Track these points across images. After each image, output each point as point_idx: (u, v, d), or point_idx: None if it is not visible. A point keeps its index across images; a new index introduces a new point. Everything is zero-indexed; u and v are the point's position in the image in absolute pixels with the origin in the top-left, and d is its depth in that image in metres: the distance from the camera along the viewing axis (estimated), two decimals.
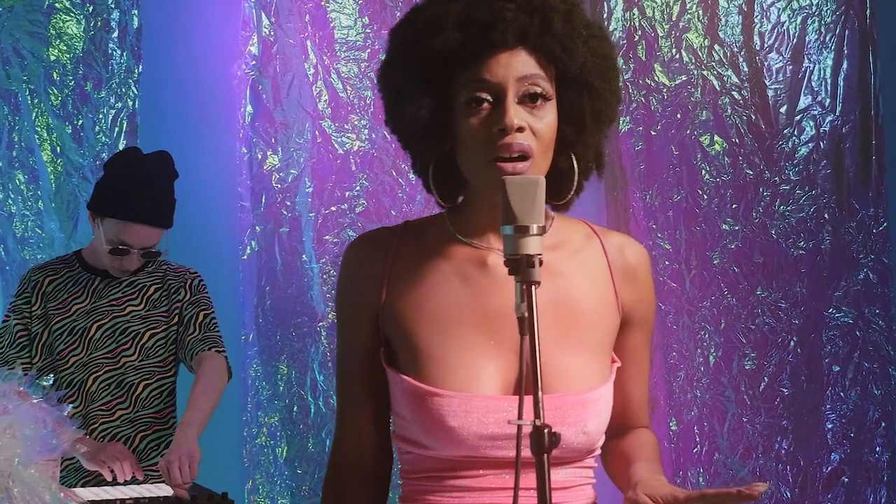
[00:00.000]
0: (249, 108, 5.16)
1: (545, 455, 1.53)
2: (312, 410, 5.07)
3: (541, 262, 1.61)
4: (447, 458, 1.84)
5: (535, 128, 1.80)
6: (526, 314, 1.58)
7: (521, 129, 1.78)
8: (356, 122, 5.12)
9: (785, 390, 5.21)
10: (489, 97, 1.80)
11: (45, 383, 3.62)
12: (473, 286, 1.87)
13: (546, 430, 1.53)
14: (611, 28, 5.19)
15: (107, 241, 3.63)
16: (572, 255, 1.91)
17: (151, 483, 3.58)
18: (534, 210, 1.63)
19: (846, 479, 5.23)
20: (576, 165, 1.86)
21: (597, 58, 1.86)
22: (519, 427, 1.55)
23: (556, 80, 1.84)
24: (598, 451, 1.92)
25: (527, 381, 1.58)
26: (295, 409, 5.07)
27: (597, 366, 1.88)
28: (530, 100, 1.81)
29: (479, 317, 1.85)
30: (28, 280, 3.78)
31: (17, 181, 4.98)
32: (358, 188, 5.12)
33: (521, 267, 1.60)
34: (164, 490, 3.36)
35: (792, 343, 5.23)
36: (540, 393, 1.55)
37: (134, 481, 3.51)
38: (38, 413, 2.81)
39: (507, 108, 1.78)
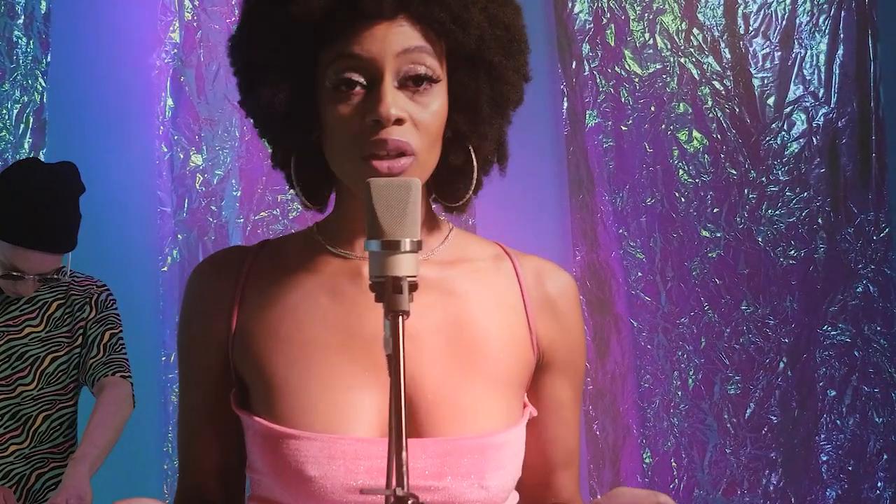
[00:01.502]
0: (170, 102, 5.06)
1: None
2: None
3: (414, 287, 1.41)
4: None
5: (419, 119, 1.60)
6: (391, 351, 1.39)
7: (399, 121, 1.57)
8: None
9: (774, 418, 5.04)
10: (362, 79, 1.59)
11: None
12: (344, 303, 1.67)
13: (411, 502, 1.31)
14: (576, 10, 5.07)
15: None
16: (473, 274, 1.73)
17: None
18: (405, 220, 1.42)
19: None
20: (474, 160, 1.68)
21: (498, 28, 1.65)
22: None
23: (446, 58, 1.64)
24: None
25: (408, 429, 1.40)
26: None
27: (500, 405, 1.67)
28: (413, 83, 1.60)
29: (350, 340, 1.65)
30: None
31: None
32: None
33: (386, 292, 1.39)
34: None
35: (781, 364, 5.07)
36: (405, 453, 1.33)
37: None
38: None
39: (384, 94, 1.57)
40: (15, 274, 3.48)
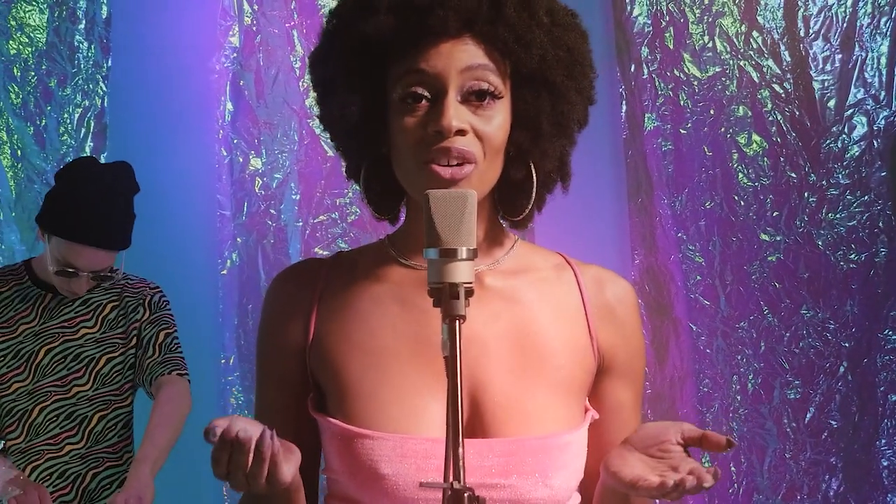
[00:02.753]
0: (230, 106, 5.13)
1: None
2: None
3: (470, 293, 1.49)
4: None
5: (481, 131, 1.69)
6: (448, 353, 1.47)
7: (461, 132, 1.67)
8: None
9: (834, 422, 5.00)
10: (427, 93, 1.68)
11: None
12: (413, 312, 1.76)
13: (467, 495, 1.40)
14: (635, 13, 5.11)
15: (52, 260, 3.52)
16: (537, 283, 1.82)
17: None
18: (461, 230, 1.51)
19: None
20: (534, 176, 1.75)
21: (560, 50, 1.73)
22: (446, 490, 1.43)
23: (510, 76, 1.72)
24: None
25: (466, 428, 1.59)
26: None
27: (563, 409, 1.76)
28: (476, 98, 1.69)
29: (419, 346, 1.74)
30: None
31: None
32: (350, 195, 5.09)
33: (444, 297, 1.48)
34: None
35: (842, 369, 5.02)
36: (461, 450, 1.42)
37: None
38: None
39: (447, 108, 1.66)
40: (69, 271, 3.50)
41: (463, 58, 1.67)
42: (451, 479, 1.42)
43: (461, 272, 1.50)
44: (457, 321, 1.46)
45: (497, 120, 1.69)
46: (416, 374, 1.73)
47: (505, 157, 1.74)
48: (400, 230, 1.86)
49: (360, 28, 1.70)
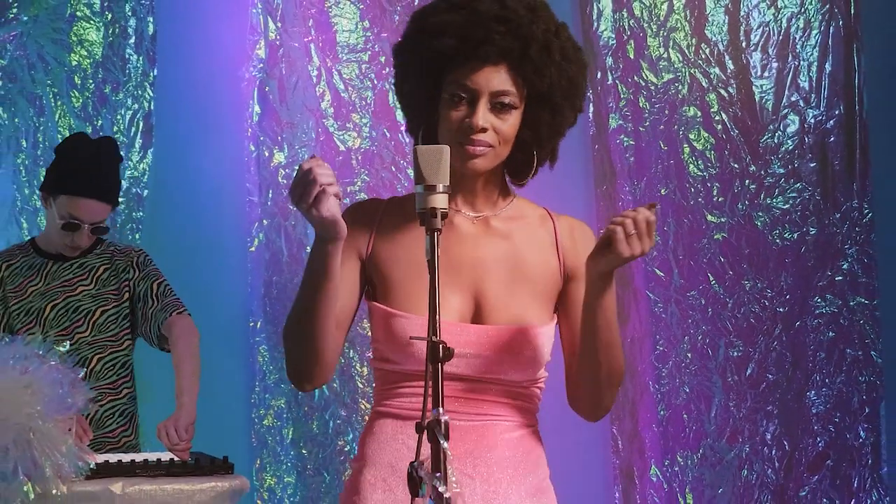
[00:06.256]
0: (257, 108, 5.42)
1: (439, 364, 1.94)
2: (317, 394, 5.41)
3: (445, 215, 2.02)
4: (407, 372, 2.29)
5: (498, 128, 2.28)
6: (430, 257, 2.01)
7: (484, 130, 2.26)
8: (357, 121, 5.45)
9: (770, 376, 5.38)
10: (467, 97, 2.28)
11: (61, 349, 3.70)
12: (441, 241, 2.18)
13: (440, 345, 1.94)
14: (601, 28, 5.44)
15: (59, 216, 3.88)
16: (525, 227, 2.39)
17: (108, 450, 3.83)
18: (439, 172, 2.03)
19: (831, 463, 5.40)
20: (535, 157, 2.36)
21: (564, 80, 2.31)
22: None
23: (526, 95, 2.30)
24: (539, 388, 2.38)
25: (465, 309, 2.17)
26: (300, 392, 5.32)
27: (537, 310, 2.35)
28: (499, 107, 2.28)
29: (444, 263, 2.20)
30: None
31: (42, 178, 5.09)
32: (359, 183, 5.41)
33: (426, 217, 2.01)
34: (167, 455, 3.54)
35: (777, 330, 5.39)
36: (437, 317, 1.97)
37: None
38: (56, 375, 3.18)
39: (478, 112, 2.26)
40: (74, 223, 3.87)
41: (495, 83, 2.26)
42: (432, 337, 1.95)
43: (439, 201, 2.01)
44: (435, 233, 2.00)
45: (510, 122, 2.29)
46: (442, 280, 2.13)
47: (514, 144, 2.32)
48: None
49: (433, 43, 2.27)
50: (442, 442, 1.88)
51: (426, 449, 1.93)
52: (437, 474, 1.87)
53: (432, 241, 2.00)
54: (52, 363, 3.22)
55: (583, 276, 2.32)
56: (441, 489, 1.85)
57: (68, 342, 3.81)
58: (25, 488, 3.09)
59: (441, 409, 1.92)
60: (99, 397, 3.88)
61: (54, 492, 3.12)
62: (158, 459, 3.38)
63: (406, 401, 2.33)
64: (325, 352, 2.29)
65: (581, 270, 2.33)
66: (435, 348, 1.94)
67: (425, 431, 1.91)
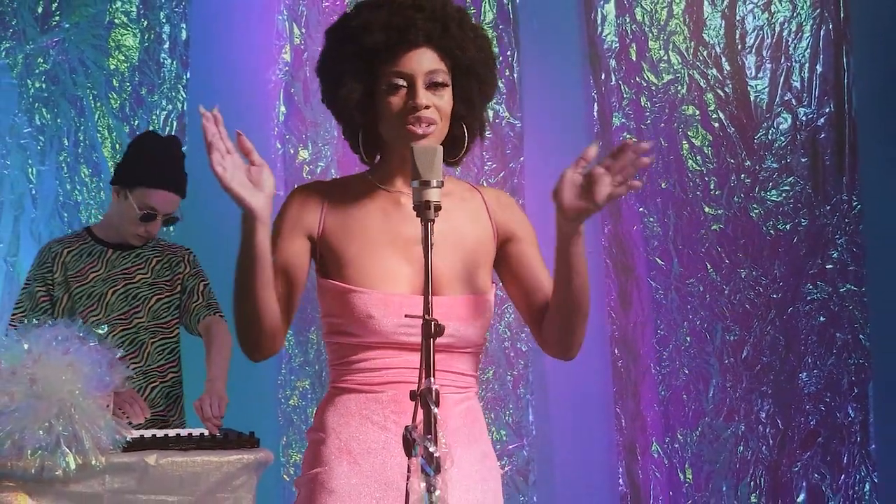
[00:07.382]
0: (283, 109, 5.57)
1: (431, 340, 2.07)
2: None
3: (439, 208, 2.16)
4: (367, 344, 2.38)
5: (437, 104, 2.41)
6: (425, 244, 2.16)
7: (427, 107, 2.40)
8: None
9: (765, 359, 5.55)
10: (404, 83, 2.40)
11: (100, 331, 4.02)
12: (390, 219, 2.45)
13: (433, 322, 2.08)
14: (604, 33, 5.63)
15: (138, 207, 4.05)
16: (457, 201, 2.50)
17: (159, 427, 3.97)
18: (433, 169, 2.18)
19: (822, 440, 5.57)
20: (466, 132, 2.49)
21: (482, 52, 2.48)
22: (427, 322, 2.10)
23: (452, 70, 2.45)
24: (481, 350, 2.50)
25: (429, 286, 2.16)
26: (324, 374, 5.49)
27: (482, 278, 2.48)
28: (434, 86, 2.42)
29: (394, 239, 2.42)
30: (48, 251, 4.17)
31: (83, 174, 5.53)
32: None
33: (422, 209, 2.17)
34: (198, 430, 3.75)
35: (771, 315, 5.56)
36: (430, 296, 2.10)
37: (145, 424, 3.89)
38: (95, 355, 3.37)
39: (418, 93, 2.40)
40: (151, 213, 4.02)
41: (426, 63, 2.39)
42: (425, 314, 2.06)
43: (433, 195, 2.14)
44: (429, 223, 2.12)
45: (446, 97, 2.41)
46: (390, 253, 2.38)
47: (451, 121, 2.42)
48: (376, 166, 2.49)
49: (361, 41, 2.37)
50: (433, 408, 2.00)
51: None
52: (429, 436, 1.99)
53: (426, 230, 2.13)
54: (92, 344, 3.41)
55: (519, 238, 2.50)
56: (432, 449, 1.98)
57: (119, 327, 4.08)
58: (68, 459, 3.27)
59: (433, 379, 2.03)
60: (153, 378, 4.13)
61: (93, 462, 3.31)
62: (189, 434, 3.59)
63: (367, 375, 2.39)
64: (264, 322, 2.35)
65: (515, 233, 2.50)
66: (428, 325, 2.06)
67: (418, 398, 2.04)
